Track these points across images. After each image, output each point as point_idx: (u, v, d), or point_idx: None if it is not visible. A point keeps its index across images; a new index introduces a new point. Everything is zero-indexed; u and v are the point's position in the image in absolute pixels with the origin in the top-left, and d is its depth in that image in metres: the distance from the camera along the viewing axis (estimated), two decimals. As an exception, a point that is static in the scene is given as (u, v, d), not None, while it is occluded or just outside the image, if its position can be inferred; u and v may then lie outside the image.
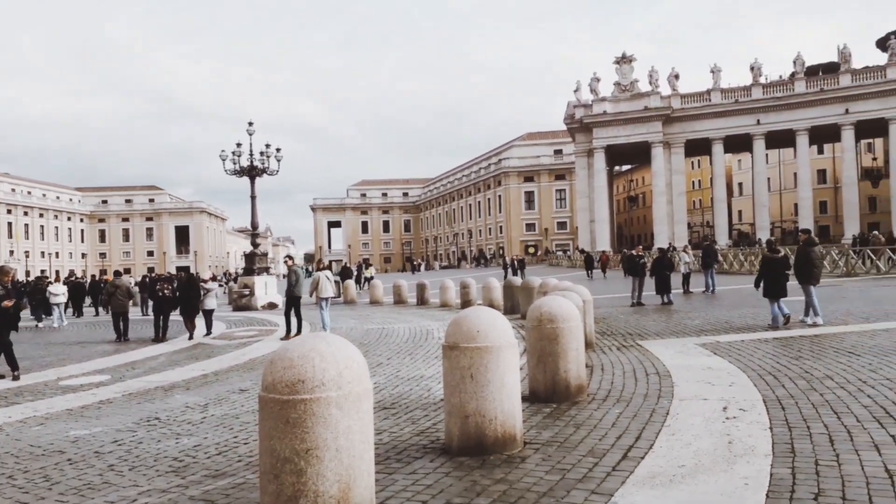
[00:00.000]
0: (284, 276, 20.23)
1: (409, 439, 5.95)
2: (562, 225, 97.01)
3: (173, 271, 71.06)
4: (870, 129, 61.93)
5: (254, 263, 29.79)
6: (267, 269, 31.11)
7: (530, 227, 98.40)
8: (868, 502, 3.94)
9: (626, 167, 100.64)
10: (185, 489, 5.04)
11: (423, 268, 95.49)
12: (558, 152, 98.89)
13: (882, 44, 71.02)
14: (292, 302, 16.17)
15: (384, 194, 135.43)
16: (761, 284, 13.36)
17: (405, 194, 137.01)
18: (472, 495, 4.38)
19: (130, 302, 19.16)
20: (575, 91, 69.57)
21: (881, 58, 65.07)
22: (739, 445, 5.15)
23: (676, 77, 66.15)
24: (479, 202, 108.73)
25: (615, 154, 72.36)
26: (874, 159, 76.95)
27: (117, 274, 20.51)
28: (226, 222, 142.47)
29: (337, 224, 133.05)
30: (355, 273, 44.93)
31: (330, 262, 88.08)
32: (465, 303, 21.90)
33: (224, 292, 37.57)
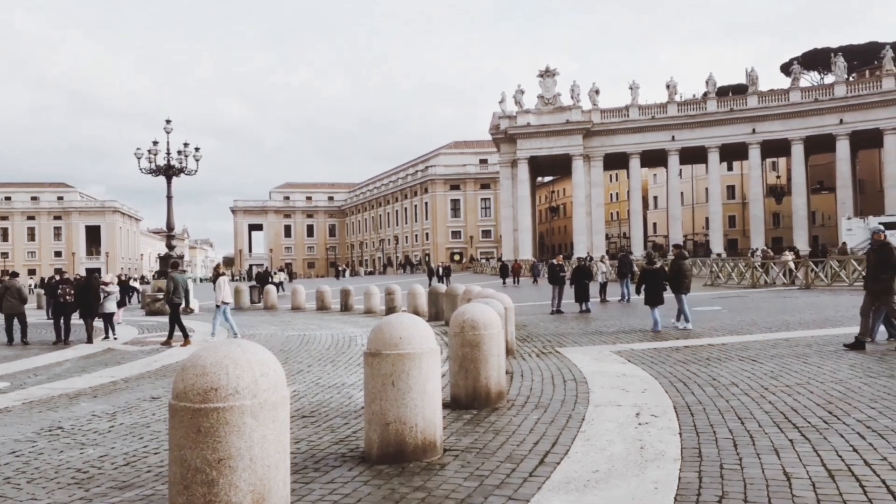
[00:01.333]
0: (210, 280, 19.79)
1: (327, 448, 5.86)
2: (486, 233, 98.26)
3: (83, 273, 67.60)
4: (774, 148, 65.70)
5: (168, 266, 28.69)
6: (183, 273, 30.03)
7: (456, 234, 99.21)
8: (767, 503, 4.15)
9: (548, 178, 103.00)
10: (88, 502, 4.79)
11: (348, 273, 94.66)
12: (484, 161, 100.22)
13: (786, 69, 75.74)
14: (173, 309, 15.89)
15: (309, 198, 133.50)
16: (642, 292, 14.83)
17: (331, 198, 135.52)
18: (391, 503, 4.35)
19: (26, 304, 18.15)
20: (500, 102, 70.75)
21: (785, 81, 69.24)
22: (651, 450, 5.33)
23: (597, 92, 68.31)
24: (405, 208, 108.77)
25: (538, 165, 73.96)
26: (778, 177, 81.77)
27: (13, 275, 19.35)
28: (140, 223, 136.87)
29: (259, 227, 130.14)
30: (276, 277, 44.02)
31: (250, 266, 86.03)
32: (391, 309, 21.82)
33: (137, 299, 35.99)
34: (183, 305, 16.00)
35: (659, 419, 6.37)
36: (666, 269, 16.11)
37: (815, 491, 4.33)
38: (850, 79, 64.92)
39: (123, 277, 36.10)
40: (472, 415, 6.86)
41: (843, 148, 60.38)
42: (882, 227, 11.56)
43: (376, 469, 5.08)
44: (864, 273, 26.90)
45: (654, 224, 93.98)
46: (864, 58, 75.90)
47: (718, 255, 58.59)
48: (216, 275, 19.26)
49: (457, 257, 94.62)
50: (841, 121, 59.70)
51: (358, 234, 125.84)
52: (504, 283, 45.95)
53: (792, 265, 32.32)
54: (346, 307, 25.40)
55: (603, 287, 25.70)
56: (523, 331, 14.96)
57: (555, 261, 23.55)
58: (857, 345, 10.46)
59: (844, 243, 44.49)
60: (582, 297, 20.23)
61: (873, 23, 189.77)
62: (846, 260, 30.27)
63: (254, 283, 35.31)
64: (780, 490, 4.37)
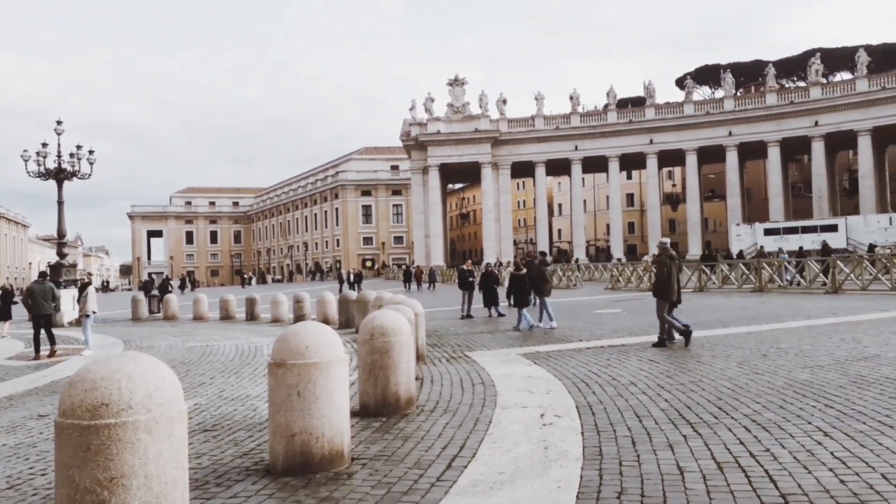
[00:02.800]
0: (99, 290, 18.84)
1: (230, 462, 5.68)
2: (398, 239, 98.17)
3: (-41, 284, 62.38)
4: (670, 158, 69.20)
5: (60, 275, 27.05)
6: (75, 282, 28.38)
7: (368, 240, 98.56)
8: (662, 497, 4.36)
9: (459, 185, 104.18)
10: (-38, 533, 4.43)
11: (254, 281, 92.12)
12: (395, 168, 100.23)
13: (680, 83, 79.98)
14: (35, 321, 15.24)
15: (212, 203, 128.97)
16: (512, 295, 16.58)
17: (236, 203, 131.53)
18: (296, 516, 4.27)
19: None
20: (411, 109, 71.01)
21: (680, 95, 73.04)
22: (554, 450, 5.48)
23: (504, 102, 69.82)
24: (315, 214, 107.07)
25: (449, 172, 74.69)
26: (674, 185, 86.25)
27: None
28: (28, 230, 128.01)
29: (158, 234, 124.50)
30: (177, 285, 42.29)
31: (150, 274, 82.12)
32: (299, 317, 21.40)
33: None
34: (54, 314, 15.51)
35: (562, 419, 6.56)
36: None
37: (706, 483, 4.58)
38: (738, 94, 69.36)
39: (8, 287, 33.58)
40: (382, 422, 6.83)
41: (732, 158, 64.35)
42: (667, 241, 13.06)
43: (281, 482, 4.97)
44: (750, 277, 28.72)
45: (559, 230, 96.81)
46: (750, 74, 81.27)
47: (619, 259, 61.05)
48: (84, 284, 18.53)
49: (369, 263, 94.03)
50: (730, 133, 63.63)
51: (265, 241, 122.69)
52: (407, 288, 47.66)
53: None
54: (251, 316, 24.70)
55: (510, 292, 26.20)
56: (434, 336, 15.03)
57: (464, 266, 23.82)
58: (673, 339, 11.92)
59: (747, 249, 47.05)
60: (490, 301, 20.54)
61: (759, 42, 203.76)
62: (735, 264, 32.21)
63: (155, 292, 33.69)
64: (674, 483, 4.60)
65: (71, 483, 3.17)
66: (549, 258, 21.79)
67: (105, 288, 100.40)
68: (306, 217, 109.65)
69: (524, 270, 17.34)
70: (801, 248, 40.06)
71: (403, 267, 63.41)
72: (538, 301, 16.96)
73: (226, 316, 25.78)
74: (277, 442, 5.18)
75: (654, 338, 12.32)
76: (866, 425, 5.84)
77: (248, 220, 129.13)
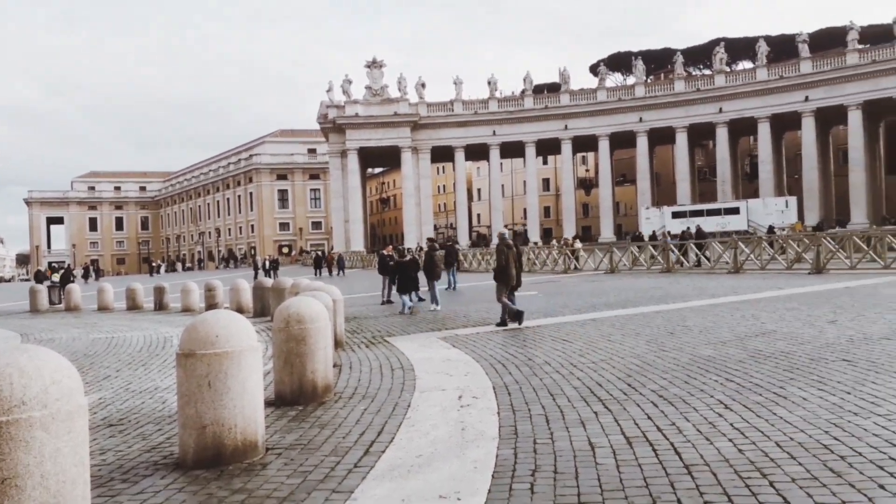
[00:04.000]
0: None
1: (138, 457, 5.45)
2: (317, 224, 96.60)
3: None
4: (584, 143, 71.02)
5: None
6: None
7: (284, 226, 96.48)
8: (574, 472, 4.49)
9: (379, 169, 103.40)
10: None
11: (163, 269, 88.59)
12: (312, 151, 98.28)
13: (594, 70, 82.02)
14: None
15: (117, 188, 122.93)
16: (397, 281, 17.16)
17: (143, 188, 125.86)
18: (208, 509, 4.15)
19: None
20: (328, 91, 69.74)
21: (594, 81, 74.96)
22: (471, 431, 5.56)
23: (423, 86, 69.62)
24: (228, 199, 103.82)
25: (368, 156, 74.00)
26: (587, 171, 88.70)
27: None
28: None
29: (59, 221, 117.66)
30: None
31: (50, 264, 77.72)
32: (211, 306, 20.74)
33: None
34: None
35: (479, 400, 6.66)
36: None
37: (616, 457, 4.76)
38: (649, 81, 71.82)
39: None
40: (298, 411, 6.73)
41: (642, 144, 66.68)
42: (505, 232, 14.42)
43: (192, 475, 4.82)
44: (658, 258, 29.94)
45: (479, 215, 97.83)
46: (659, 62, 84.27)
47: (535, 243, 62.36)
48: None
49: (285, 250, 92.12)
50: (640, 119, 65.86)
51: (175, 227, 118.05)
52: (317, 275, 46.65)
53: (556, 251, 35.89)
54: (160, 306, 23.78)
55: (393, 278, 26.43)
56: (353, 322, 14.92)
57: (384, 251, 23.70)
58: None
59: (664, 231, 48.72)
60: (410, 288, 20.51)
61: (669, 30, 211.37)
62: (644, 246, 33.51)
63: (48, 282, 31.87)
64: (585, 459, 4.75)
65: (-43, 487, 2.96)
66: (436, 244, 24.14)
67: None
68: (218, 202, 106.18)
69: (408, 257, 18.26)
70: (686, 229, 42.44)
71: (313, 253, 63.08)
72: (429, 285, 17.85)
73: (133, 306, 24.72)
74: (188, 434, 5.02)
75: (566, 318, 12.68)
76: (762, 397, 6.21)
77: (156, 206, 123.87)
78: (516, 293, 13.64)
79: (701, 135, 68.55)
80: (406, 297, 16.88)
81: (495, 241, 17.99)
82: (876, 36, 65.25)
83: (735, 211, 56.23)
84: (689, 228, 40.47)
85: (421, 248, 55.32)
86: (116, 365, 11.08)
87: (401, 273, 17.39)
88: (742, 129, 64.67)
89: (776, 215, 53.49)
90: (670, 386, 6.90)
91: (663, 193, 73.62)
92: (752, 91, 60.97)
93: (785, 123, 62.84)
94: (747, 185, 71.59)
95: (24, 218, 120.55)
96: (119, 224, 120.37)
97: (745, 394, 6.36)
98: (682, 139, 65.47)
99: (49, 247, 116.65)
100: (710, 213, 56.87)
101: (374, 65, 69.49)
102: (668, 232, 44.01)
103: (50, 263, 76.51)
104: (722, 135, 63.23)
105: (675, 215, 57.52)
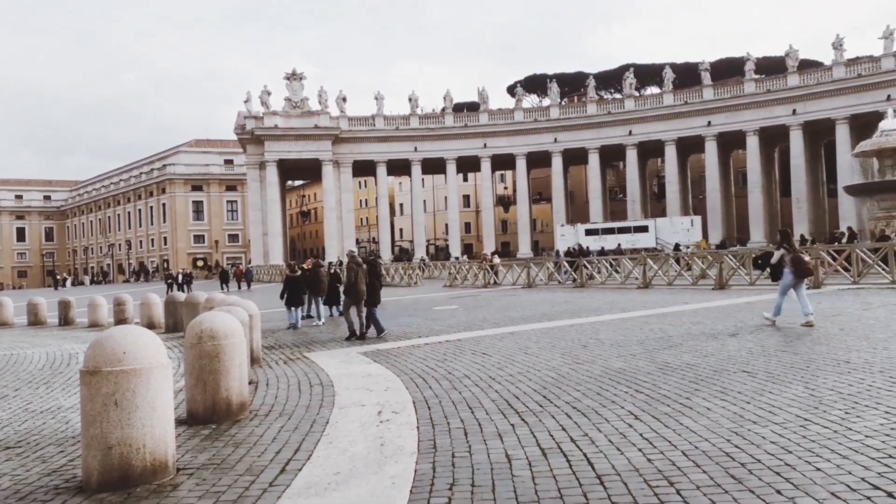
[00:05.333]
0: None
1: (37, 481, 5.15)
2: (234, 237, 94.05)
3: None
4: (502, 162, 72.42)
5: None
6: None
7: (199, 238, 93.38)
8: (492, 485, 4.56)
9: (299, 182, 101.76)
10: None
11: (69, 283, 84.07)
12: (229, 162, 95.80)
13: (511, 90, 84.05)
14: None
15: (19, 196, 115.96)
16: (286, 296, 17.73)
17: (47, 197, 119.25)
18: (113, 534, 3.97)
19: None
20: (246, 102, 68.27)
21: (511, 102, 76.67)
22: (390, 447, 5.55)
23: (344, 100, 69.28)
24: (140, 210, 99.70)
25: (288, 168, 72.81)
26: (506, 188, 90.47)
27: None
28: None
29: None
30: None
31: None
32: (121, 321, 19.83)
33: None
34: None
35: (399, 415, 6.66)
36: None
37: (531, 469, 4.86)
38: (563, 103, 74.07)
39: None
40: (212, 429, 6.53)
41: (557, 163, 68.64)
42: (354, 251, 15.31)
43: (96, 498, 4.60)
44: (573, 274, 30.84)
45: (401, 229, 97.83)
46: (573, 85, 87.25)
47: (456, 258, 62.88)
48: None
49: (200, 263, 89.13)
50: (555, 139, 67.81)
51: (82, 239, 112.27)
52: (225, 290, 43.54)
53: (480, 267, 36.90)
54: (66, 321, 22.53)
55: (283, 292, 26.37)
56: (271, 338, 14.61)
57: (305, 266, 23.26)
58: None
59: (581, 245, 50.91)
60: (332, 301, 20.30)
61: (582, 54, 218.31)
62: (560, 262, 34.42)
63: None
64: (502, 472, 4.84)
65: None
66: (322, 262, 25.26)
67: None
68: (129, 213, 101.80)
69: (298, 272, 18.89)
70: (577, 245, 45.31)
71: (220, 268, 62.67)
72: (314, 301, 18.79)
73: (35, 321, 23.32)
74: (92, 456, 4.79)
75: (485, 332, 12.85)
76: (670, 407, 6.49)
77: (62, 216, 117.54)
78: (435, 308, 13.71)
79: (612, 156, 71.18)
80: (294, 313, 17.40)
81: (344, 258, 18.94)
82: (770, 66, 70.04)
83: (644, 229, 58.65)
84: (580, 246, 43.16)
85: (341, 263, 54.74)
86: (15, 384, 10.42)
87: (290, 289, 17.97)
88: (650, 150, 67.63)
89: (682, 233, 56.09)
90: (584, 398, 7.11)
91: (577, 211, 75.86)
92: (660, 115, 64.01)
93: (690, 146, 66.18)
94: (656, 204, 74.78)
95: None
96: (21, 235, 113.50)
97: (654, 404, 6.64)
98: (594, 160, 67.86)
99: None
100: (621, 230, 59.08)
101: (293, 77, 68.65)
102: (558, 251, 46.33)
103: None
104: (632, 156, 65.97)
105: (588, 232, 59.49)
